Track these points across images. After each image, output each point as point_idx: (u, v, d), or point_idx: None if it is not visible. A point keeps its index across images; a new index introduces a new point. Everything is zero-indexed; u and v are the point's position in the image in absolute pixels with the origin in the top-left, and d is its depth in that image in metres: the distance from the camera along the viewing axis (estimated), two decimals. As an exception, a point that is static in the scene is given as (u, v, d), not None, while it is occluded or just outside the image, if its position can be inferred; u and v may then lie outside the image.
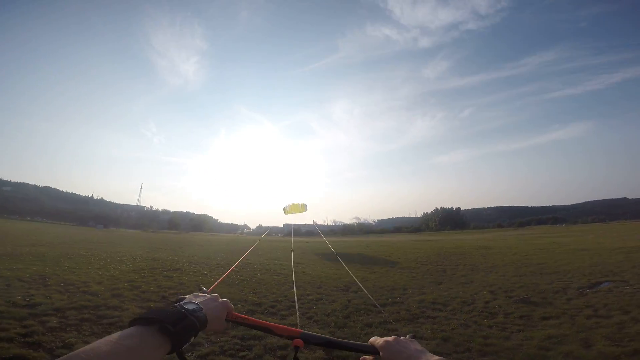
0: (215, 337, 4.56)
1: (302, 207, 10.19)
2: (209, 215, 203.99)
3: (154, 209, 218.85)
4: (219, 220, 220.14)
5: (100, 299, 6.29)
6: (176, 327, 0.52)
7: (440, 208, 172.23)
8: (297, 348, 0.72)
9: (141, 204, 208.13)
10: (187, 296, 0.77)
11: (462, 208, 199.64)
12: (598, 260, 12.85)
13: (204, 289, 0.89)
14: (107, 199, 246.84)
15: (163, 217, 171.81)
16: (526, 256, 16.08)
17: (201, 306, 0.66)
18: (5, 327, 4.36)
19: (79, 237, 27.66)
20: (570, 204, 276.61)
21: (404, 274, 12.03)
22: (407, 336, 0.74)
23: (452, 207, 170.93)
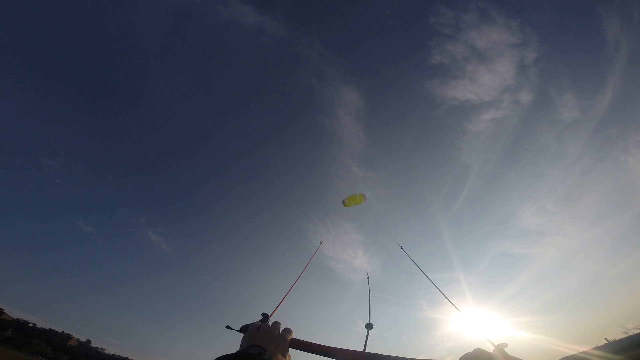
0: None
1: (361, 198, 9.65)
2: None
3: None
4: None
5: None
6: None
7: None
8: None
9: None
10: (250, 325, 0.84)
11: None
12: None
13: (267, 314, 0.98)
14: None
15: None
16: None
17: (265, 347, 0.72)
18: None
19: None
20: None
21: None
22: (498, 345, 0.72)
23: None
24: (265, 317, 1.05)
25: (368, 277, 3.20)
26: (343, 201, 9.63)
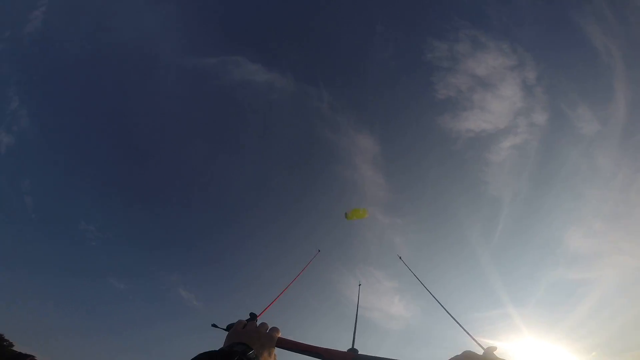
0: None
1: (364, 212, 9.82)
2: None
3: None
4: None
5: None
6: None
7: None
8: None
9: None
10: (235, 323, 0.83)
11: None
12: None
13: (255, 313, 0.95)
14: None
15: None
16: None
17: (251, 345, 0.68)
18: None
19: None
20: None
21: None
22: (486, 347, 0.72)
23: None
24: (253, 316, 1.01)
25: (360, 285, 3.20)
26: (345, 214, 9.62)
